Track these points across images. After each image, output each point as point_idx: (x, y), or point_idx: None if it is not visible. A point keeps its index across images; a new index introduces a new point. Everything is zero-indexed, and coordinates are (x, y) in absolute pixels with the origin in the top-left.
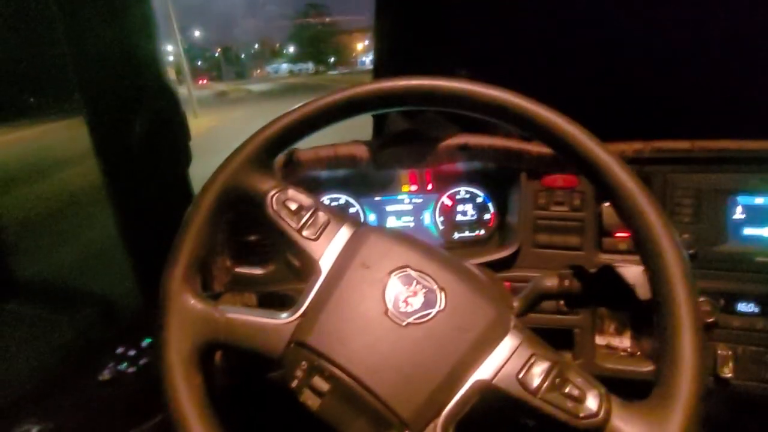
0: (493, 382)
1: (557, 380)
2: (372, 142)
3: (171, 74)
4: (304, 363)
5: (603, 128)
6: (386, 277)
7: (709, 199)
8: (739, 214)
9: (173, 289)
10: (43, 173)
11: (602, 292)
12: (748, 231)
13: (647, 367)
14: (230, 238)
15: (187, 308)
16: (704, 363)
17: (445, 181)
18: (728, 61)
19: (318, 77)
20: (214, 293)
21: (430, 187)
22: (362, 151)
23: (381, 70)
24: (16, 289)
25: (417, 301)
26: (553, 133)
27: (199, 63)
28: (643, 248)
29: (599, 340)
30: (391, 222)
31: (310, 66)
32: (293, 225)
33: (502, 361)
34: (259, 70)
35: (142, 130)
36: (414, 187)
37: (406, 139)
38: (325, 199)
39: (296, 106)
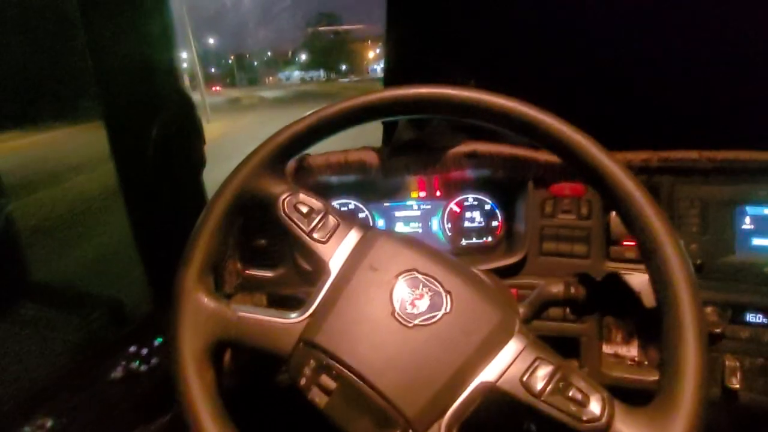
0: (497, 384)
1: (561, 384)
2: (382, 148)
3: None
4: (312, 362)
5: (612, 137)
6: (394, 280)
7: (717, 209)
8: (747, 224)
9: (187, 287)
10: (58, 177)
11: (608, 299)
12: (756, 242)
13: (654, 377)
14: (241, 242)
15: (201, 306)
16: (707, 371)
17: (453, 188)
18: (738, 71)
19: (329, 85)
20: (225, 294)
21: (438, 193)
22: (372, 158)
23: (391, 78)
24: (30, 291)
25: (423, 304)
26: (559, 142)
27: (213, 70)
28: (648, 257)
29: (607, 349)
30: (400, 228)
31: (321, 73)
32: (304, 228)
33: (507, 363)
34: (271, 77)
35: (158, 136)
36: (422, 194)
37: (416, 146)
38: (335, 204)
39: (307, 114)
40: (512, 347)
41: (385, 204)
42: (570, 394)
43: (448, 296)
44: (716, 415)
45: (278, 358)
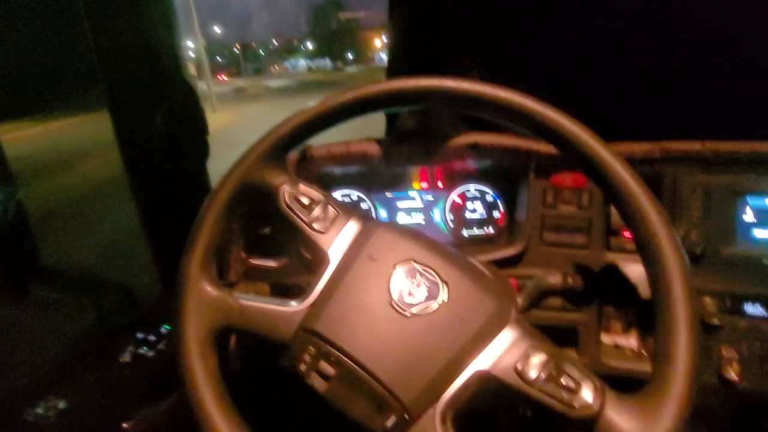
0: (492, 371)
1: (554, 371)
2: (384, 139)
3: (191, 70)
4: (312, 348)
5: (614, 129)
6: (392, 270)
7: (719, 199)
8: (748, 215)
9: (191, 275)
10: (66, 166)
11: (605, 289)
12: (757, 233)
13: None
14: (245, 231)
15: (204, 294)
16: (698, 361)
17: (455, 179)
18: (742, 62)
19: (335, 73)
20: (228, 282)
21: (440, 184)
22: (374, 149)
23: (394, 69)
24: (42, 275)
25: (420, 293)
26: (557, 133)
27: (219, 59)
28: (644, 248)
29: (606, 339)
30: (402, 218)
31: (327, 62)
32: (304, 218)
33: (501, 352)
34: (277, 66)
35: (162, 125)
36: (425, 185)
37: (418, 137)
38: (338, 195)
39: (308, 105)
40: (507, 336)
41: (388, 195)
42: (562, 381)
43: (445, 286)
44: (712, 404)
45: (279, 345)
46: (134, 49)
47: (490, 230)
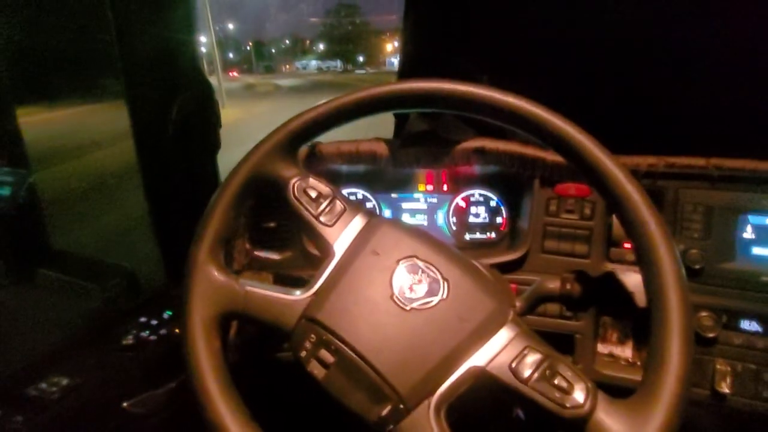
0: (487, 368)
1: (547, 372)
2: (392, 140)
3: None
4: (313, 336)
5: (621, 141)
6: (394, 265)
7: (720, 216)
8: (749, 233)
9: (199, 260)
10: (80, 151)
11: (603, 297)
12: (756, 250)
13: None
14: (251, 224)
15: (211, 278)
16: (690, 369)
17: (460, 183)
18: (747, 80)
19: (346, 76)
20: (233, 271)
21: (445, 187)
22: (382, 149)
23: (405, 72)
24: (51, 257)
25: (421, 289)
26: (563, 141)
27: (231, 55)
28: (642, 256)
29: (602, 348)
30: (406, 219)
31: (338, 64)
32: (312, 211)
33: (497, 350)
34: (288, 66)
35: (177, 116)
36: (430, 187)
37: (425, 140)
38: (344, 193)
39: (320, 102)
40: (504, 335)
41: (393, 195)
42: (556, 381)
43: (446, 283)
44: (705, 418)
45: (281, 332)
46: (154, 42)
47: (492, 235)
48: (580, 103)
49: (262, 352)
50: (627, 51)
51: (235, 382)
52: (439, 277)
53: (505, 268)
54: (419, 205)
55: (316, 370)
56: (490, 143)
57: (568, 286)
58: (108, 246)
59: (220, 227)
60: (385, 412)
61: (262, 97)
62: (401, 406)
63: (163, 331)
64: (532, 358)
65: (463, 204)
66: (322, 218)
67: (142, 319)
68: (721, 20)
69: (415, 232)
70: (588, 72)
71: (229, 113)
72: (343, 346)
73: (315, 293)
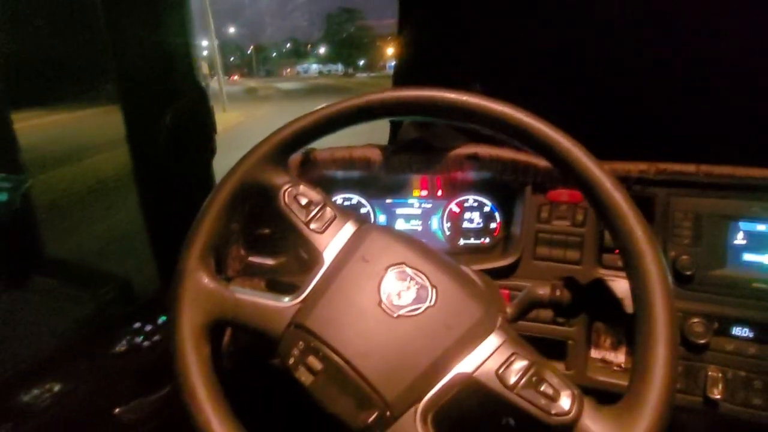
0: (474, 375)
1: (534, 378)
2: (386, 146)
3: (204, 69)
4: (301, 343)
5: (614, 147)
6: (383, 272)
7: (711, 222)
8: (739, 239)
9: (189, 267)
10: (76, 156)
11: (592, 303)
12: (747, 257)
13: None
14: (245, 230)
15: (201, 285)
16: (675, 376)
17: (454, 189)
18: (739, 88)
19: (346, 79)
20: (225, 278)
21: (439, 193)
22: (376, 155)
23: (400, 79)
24: (44, 264)
25: (409, 296)
26: (550, 148)
27: (232, 59)
28: (629, 263)
29: (595, 354)
30: (400, 225)
31: (339, 67)
32: (302, 218)
33: (484, 357)
34: (288, 69)
35: (171, 122)
36: (424, 193)
37: (419, 146)
38: (338, 199)
39: (312, 110)
40: (491, 342)
41: (387, 201)
42: (542, 388)
43: (434, 290)
44: (696, 424)
45: (270, 339)
46: (149, 48)
47: (486, 240)
48: (574, 109)
49: (255, 360)
50: (621, 58)
51: (228, 389)
52: (428, 284)
53: (498, 274)
54: (414, 211)
55: (304, 376)
56: (483, 149)
57: (558, 293)
58: (104, 252)
59: (211, 234)
60: (371, 419)
61: (263, 101)
62: (388, 413)
63: (156, 337)
64: (519, 364)
65: (457, 209)
66: (312, 225)
67: (136, 325)
68: (715, 26)
69: (405, 239)
70: (582, 78)
71: (229, 117)
72: (330, 352)
73: (303, 300)
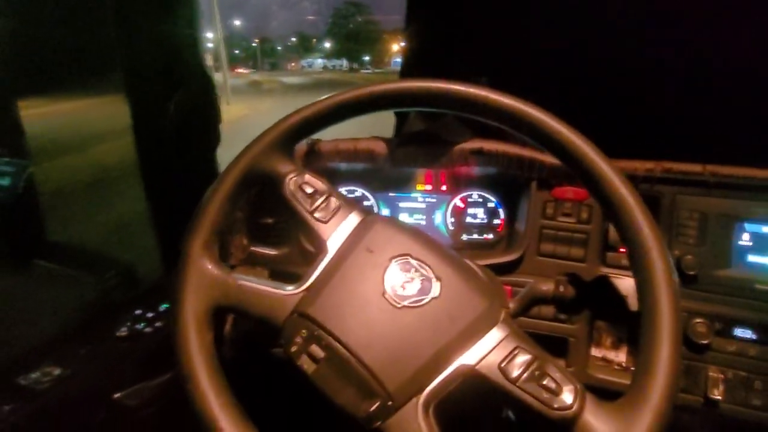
0: (476, 367)
1: (536, 372)
2: (391, 139)
3: (209, 61)
4: (304, 331)
5: (620, 145)
6: (387, 262)
7: (716, 222)
8: (744, 240)
9: (193, 253)
10: (81, 145)
11: (595, 300)
12: (752, 258)
13: None
14: (249, 219)
15: (205, 271)
16: (677, 374)
17: (459, 183)
18: (747, 88)
19: (351, 75)
20: (229, 266)
21: (444, 187)
22: (381, 148)
23: (407, 71)
24: (49, 249)
25: (413, 287)
26: (559, 144)
27: (237, 52)
28: (635, 262)
29: (596, 352)
30: (404, 219)
31: (344, 63)
32: (307, 207)
33: (487, 349)
34: (293, 63)
35: (176, 113)
36: (428, 187)
37: (424, 139)
38: (342, 191)
39: (318, 99)
40: (495, 335)
41: (391, 194)
42: (544, 382)
43: (438, 282)
44: (697, 424)
45: (272, 326)
46: (155, 38)
47: (489, 236)
48: (580, 106)
49: (257, 347)
50: (624, 57)
51: (230, 376)
52: (432, 275)
53: (501, 269)
54: (417, 205)
55: (306, 364)
56: (489, 144)
57: (561, 289)
58: (108, 238)
59: (215, 220)
60: (373, 408)
61: (267, 95)
62: (389, 402)
63: (158, 324)
64: (522, 358)
65: (461, 204)
66: (317, 214)
67: (138, 311)
68: (718, 26)
69: (410, 230)
70: (588, 75)
71: (234, 110)
72: (333, 341)
73: (307, 289)
